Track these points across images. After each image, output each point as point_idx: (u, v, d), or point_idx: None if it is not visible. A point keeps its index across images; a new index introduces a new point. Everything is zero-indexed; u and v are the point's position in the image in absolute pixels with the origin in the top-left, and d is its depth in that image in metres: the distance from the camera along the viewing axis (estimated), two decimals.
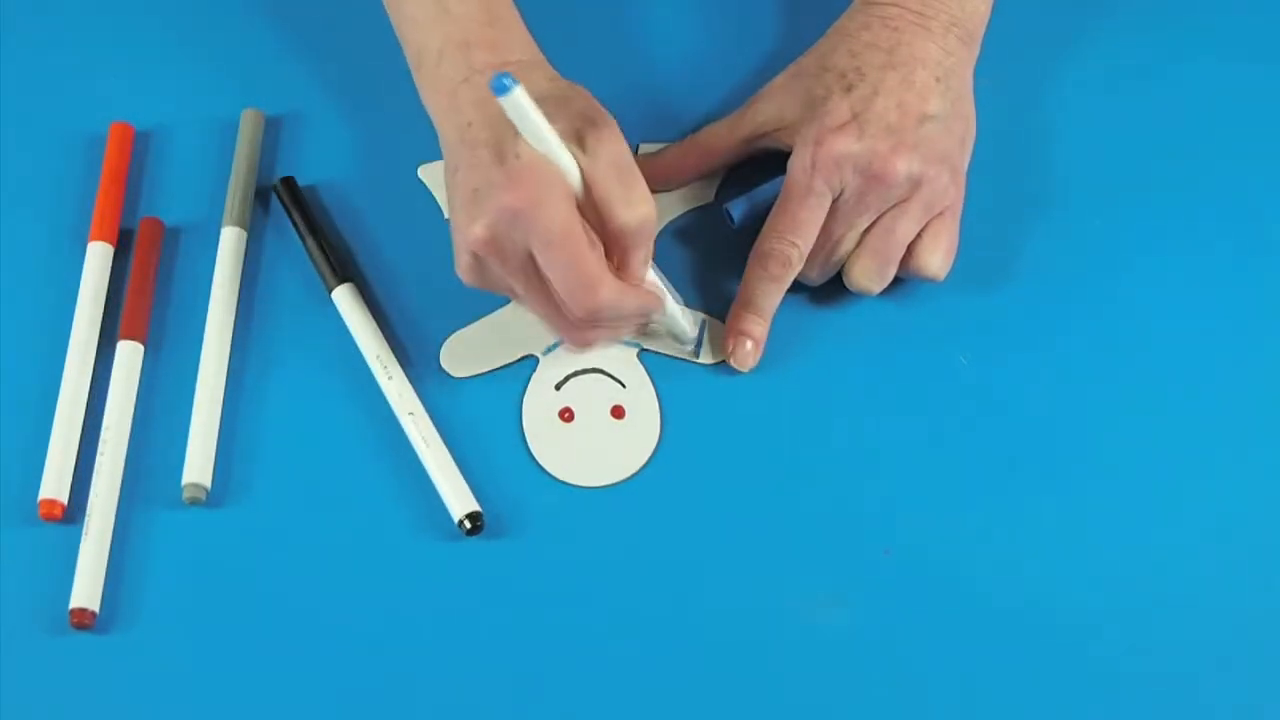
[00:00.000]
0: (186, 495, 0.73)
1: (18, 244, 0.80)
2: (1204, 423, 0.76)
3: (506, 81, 0.64)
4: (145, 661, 0.69)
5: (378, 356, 0.76)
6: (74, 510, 0.72)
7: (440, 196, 0.81)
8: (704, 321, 0.78)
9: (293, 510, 0.73)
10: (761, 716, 0.69)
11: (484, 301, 0.77)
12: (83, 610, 0.69)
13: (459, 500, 0.72)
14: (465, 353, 0.77)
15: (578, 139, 0.69)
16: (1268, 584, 0.72)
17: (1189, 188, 0.83)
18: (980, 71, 0.79)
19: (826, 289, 0.78)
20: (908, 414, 0.76)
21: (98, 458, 0.73)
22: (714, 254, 0.80)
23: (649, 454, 0.74)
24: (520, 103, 0.65)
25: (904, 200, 0.75)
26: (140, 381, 0.76)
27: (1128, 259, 0.80)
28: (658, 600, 0.71)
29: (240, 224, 0.80)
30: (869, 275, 0.77)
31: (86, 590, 0.70)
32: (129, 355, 0.76)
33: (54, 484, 0.72)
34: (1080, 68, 0.86)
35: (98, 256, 0.79)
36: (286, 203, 0.81)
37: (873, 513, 0.73)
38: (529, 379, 0.76)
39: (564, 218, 0.68)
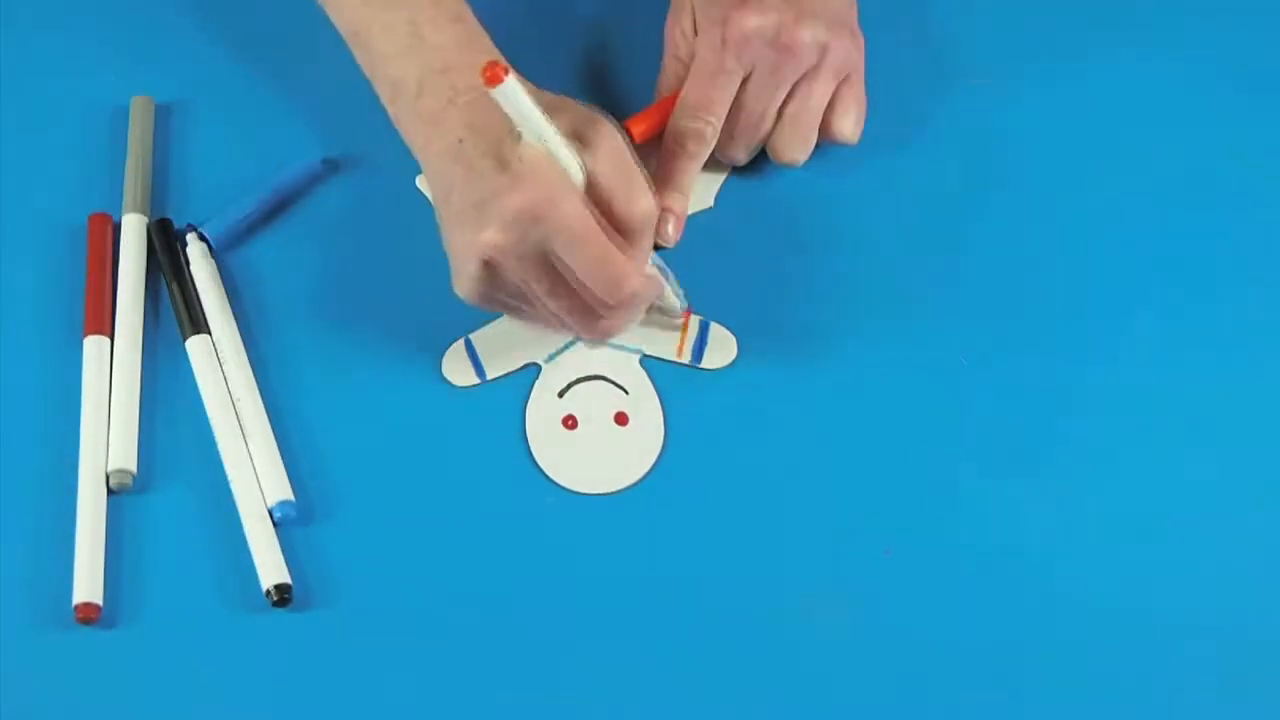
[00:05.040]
0: (113, 481, 0.72)
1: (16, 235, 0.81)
2: (1206, 420, 0.76)
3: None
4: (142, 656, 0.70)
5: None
6: None
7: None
8: (706, 326, 0.78)
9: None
10: (763, 717, 0.69)
11: (482, 311, 0.77)
12: (88, 605, 0.69)
13: (270, 571, 0.71)
14: (467, 362, 0.77)
15: (577, 136, 0.69)
16: (1268, 582, 0.73)
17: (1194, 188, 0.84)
18: None
19: (834, 286, 0.79)
20: (908, 414, 0.76)
21: (80, 452, 0.73)
22: (713, 258, 0.80)
23: (653, 460, 0.75)
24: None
25: (813, 68, 0.77)
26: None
27: (1131, 257, 0.81)
28: (662, 604, 0.71)
29: (141, 210, 0.80)
30: (795, 147, 0.79)
31: (87, 586, 0.70)
32: (96, 349, 0.76)
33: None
34: None
35: None
36: (158, 245, 0.79)
37: (873, 513, 0.74)
38: (532, 386, 0.76)
39: (581, 212, 0.68)
